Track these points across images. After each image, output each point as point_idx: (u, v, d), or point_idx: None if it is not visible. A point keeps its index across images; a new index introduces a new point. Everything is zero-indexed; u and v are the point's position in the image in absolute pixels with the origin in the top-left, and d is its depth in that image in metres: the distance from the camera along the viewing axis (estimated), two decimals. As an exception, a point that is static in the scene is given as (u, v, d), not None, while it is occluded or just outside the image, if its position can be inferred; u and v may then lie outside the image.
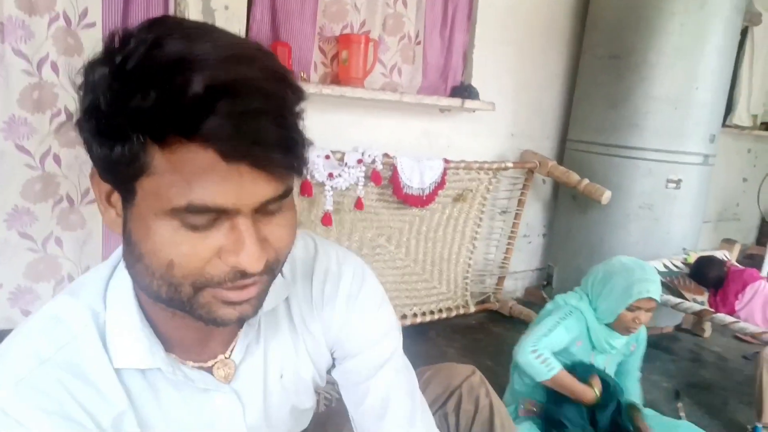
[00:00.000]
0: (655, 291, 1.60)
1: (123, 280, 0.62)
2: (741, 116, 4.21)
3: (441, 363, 1.08)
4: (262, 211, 0.53)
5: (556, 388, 1.62)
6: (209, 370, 0.66)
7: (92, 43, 0.69)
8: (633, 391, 1.81)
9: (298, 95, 0.53)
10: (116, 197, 0.55)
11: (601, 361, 1.75)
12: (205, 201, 0.49)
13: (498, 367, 2.39)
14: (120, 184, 0.53)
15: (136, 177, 0.50)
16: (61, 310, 0.60)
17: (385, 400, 0.77)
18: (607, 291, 1.64)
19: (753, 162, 4.66)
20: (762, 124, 4.51)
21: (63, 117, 1.86)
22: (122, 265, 0.61)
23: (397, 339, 0.82)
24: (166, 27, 0.49)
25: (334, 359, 0.80)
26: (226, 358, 0.68)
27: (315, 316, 0.75)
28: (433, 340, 2.67)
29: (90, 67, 0.50)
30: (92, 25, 1.86)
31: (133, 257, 0.55)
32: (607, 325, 1.68)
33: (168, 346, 0.63)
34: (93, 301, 0.61)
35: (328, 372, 0.82)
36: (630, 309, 1.60)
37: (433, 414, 0.91)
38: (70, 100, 1.86)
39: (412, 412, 0.79)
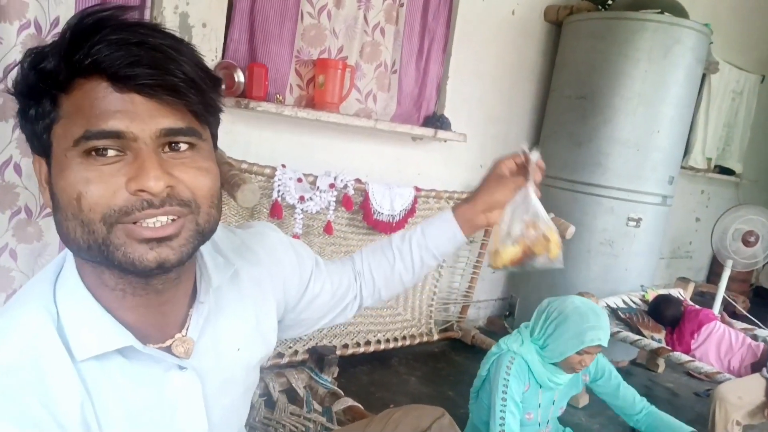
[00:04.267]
0: (605, 338, 1.65)
1: (70, 276, 0.63)
2: (696, 159, 4.40)
3: (406, 399, 1.08)
4: (169, 147, 0.58)
5: None
6: (168, 349, 0.67)
7: None
8: (638, 406, 1.87)
9: (193, 47, 0.59)
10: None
11: (549, 398, 1.77)
12: (100, 126, 0.54)
13: (459, 397, 2.39)
14: (41, 144, 0.59)
15: (50, 128, 0.57)
16: (16, 317, 0.60)
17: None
18: (559, 333, 1.66)
19: (706, 203, 4.87)
20: (716, 167, 4.73)
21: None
22: (68, 262, 0.64)
23: (310, 250, 0.96)
24: None
25: (286, 314, 0.88)
26: (183, 336, 0.68)
27: (257, 287, 0.79)
28: (394, 368, 2.65)
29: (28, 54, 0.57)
30: (64, 34, 1.82)
31: (54, 208, 0.59)
32: (553, 363, 1.71)
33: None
34: (45, 302, 0.61)
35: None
36: (578, 353, 1.64)
37: None
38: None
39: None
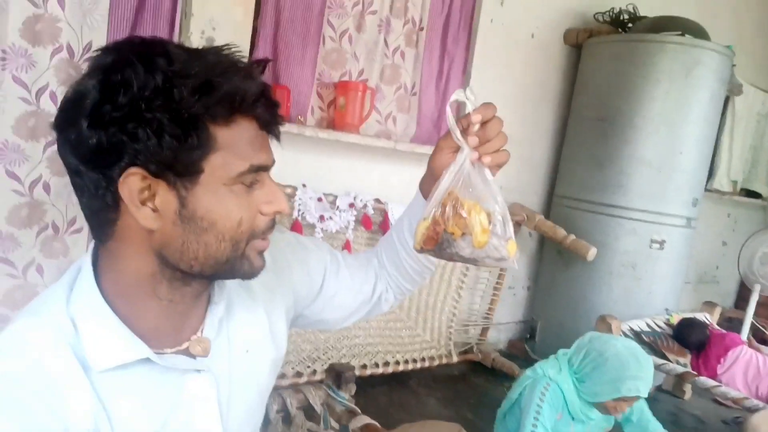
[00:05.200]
0: (645, 389, 1.57)
1: (87, 287, 0.64)
2: (721, 182, 4.33)
3: (425, 420, 1.07)
4: None
5: None
6: (185, 352, 0.69)
7: None
8: None
9: None
10: (149, 195, 0.60)
11: (581, 430, 1.73)
12: (260, 161, 0.64)
13: (478, 420, 2.35)
14: (184, 169, 0.60)
15: (205, 156, 0.60)
16: (26, 329, 0.61)
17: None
18: (597, 375, 1.60)
19: (732, 226, 4.77)
20: (742, 189, 4.64)
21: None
22: (84, 273, 0.65)
23: (326, 248, 0.94)
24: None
25: (305, 311, 0.90)
26: (199, 337, 0.71)
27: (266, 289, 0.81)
28: (413, 389, 2.63)
29: (135, 74, 0.56)
30: (96, 57, 1.88)
31: (197, 232, 0.62)
32: (587, 400, 1.66)
33: (143, 340, 0.65)
34: (57, 315, 0.62)
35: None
36: (614, 399, 1.58)
37: None
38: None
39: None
